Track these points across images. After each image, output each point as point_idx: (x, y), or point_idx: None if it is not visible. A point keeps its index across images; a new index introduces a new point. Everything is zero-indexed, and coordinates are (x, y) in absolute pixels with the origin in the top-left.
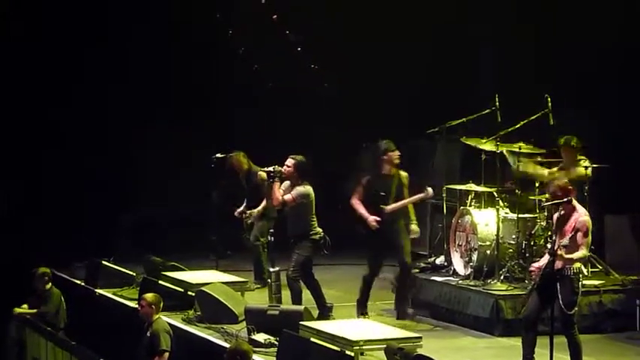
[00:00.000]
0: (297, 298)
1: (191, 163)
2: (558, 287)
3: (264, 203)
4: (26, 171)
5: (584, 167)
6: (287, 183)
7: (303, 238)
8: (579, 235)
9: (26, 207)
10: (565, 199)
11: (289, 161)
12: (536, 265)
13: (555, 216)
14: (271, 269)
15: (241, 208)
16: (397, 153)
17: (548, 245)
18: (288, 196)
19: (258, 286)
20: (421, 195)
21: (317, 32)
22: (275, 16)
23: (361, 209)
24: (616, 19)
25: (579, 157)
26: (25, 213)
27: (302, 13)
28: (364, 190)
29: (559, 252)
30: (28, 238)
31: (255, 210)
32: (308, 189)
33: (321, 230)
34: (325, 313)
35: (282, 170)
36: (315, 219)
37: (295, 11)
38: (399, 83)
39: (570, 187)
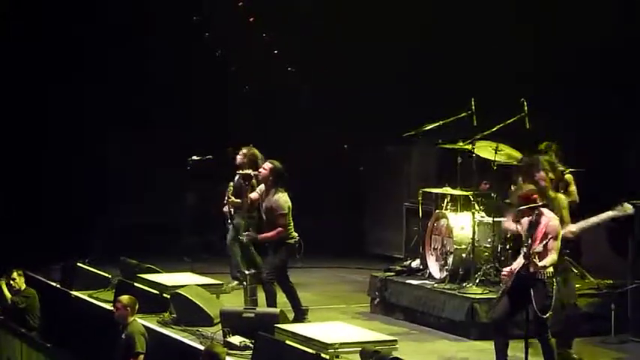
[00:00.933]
0: (271, 301)
1: (168, 164)
2: (532, 292)
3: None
4: (1, 173)
5: (560, 172)
6: (262, 187)
7: (279, 242)
8: (550, 239)
9: (1, 209)
10: (537, 204)
11: (267, 165)
12: (507, 269)
13: (525, 221)
14: (247, 272)
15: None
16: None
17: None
18: (254, 194)
19: (236, 282)
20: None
21: (294, 34)
22: (252, 19)
23: None
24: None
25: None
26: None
27: (279, 15)
28: None
29: (533, 259)
30: (3, 239)
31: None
32: (286, 198)
33: (297, 235)
34: (301, 316)
35: (257, 174)
36: (291, 223)
37: (272, 13)
38: (376, 86)
39: (535, 195)
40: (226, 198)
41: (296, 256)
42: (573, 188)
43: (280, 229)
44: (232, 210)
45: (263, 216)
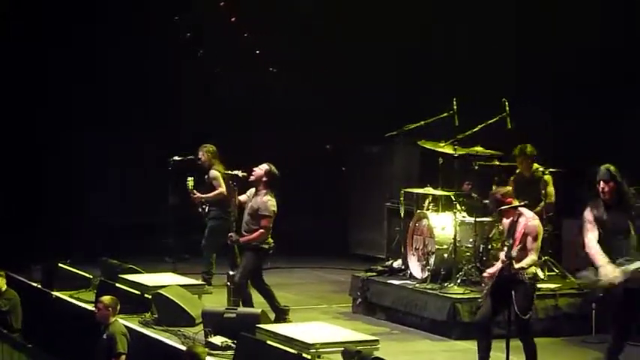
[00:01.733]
0: (247, 303)
1: (149, 165)
2: (513, 293)
3: (215, 194)
4: None
5: (541, 172)
6: (252, 190)
7: (255, 245)
8: (529, 239)
9: None
10: (513, 206)
11: (263, 166)
12: (490, 270)
13: (505, 222)
14: (231, 272)
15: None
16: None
17: (504, 250)
18: (242, 197)
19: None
20: None
21: (276, 34)
22: (233, 19)
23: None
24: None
25: (535, 165)
26: None
27: (260, 15)
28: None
29: (511, 262)
30: None
31: (201, 195)
32: (274, 203)
33: (272, 241)
34: (281, 315)
35: (246, 175)
36: (270, 224)
37: (253, 14)
38: (358, 86)
39: (509, 197)
40: (190, 193)
41: (266, 262)
42: (551, 189)
43: (262, 230)
44: (207, 208)
45: (246, 216)
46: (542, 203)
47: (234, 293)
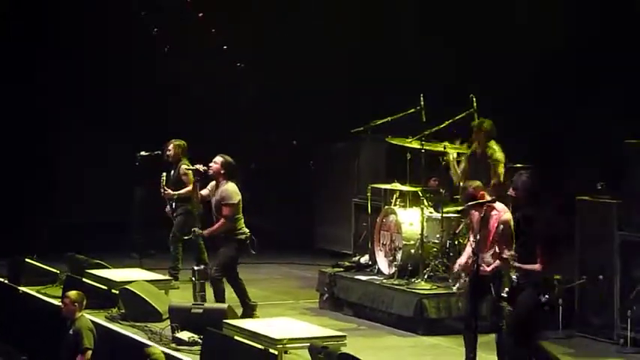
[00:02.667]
0: (219, 297)
1: (113, 161)
2: (491, 285)
3: (186, 190)
4: None
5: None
6: (213, 183)
7: (228, 237)
8: (506, 234)
9: None
10: (485, 201)
11: (218, 159)
12: (460, 261)
13: (474, 215)
14: (195, 267)
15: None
16: None
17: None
18: (204, 191)
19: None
20: None
21: (241, 31)
22: (201, 14)
23: None
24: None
25: (491, 144)
26: None
27: (226, 12)
28: None
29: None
30: None
31: (173, 192)
32: (235, 189)
33: (247, 230)
34: (249, 311)
35: (206, 169)
36: (241, 218)
37: (220, 10)
38: (324, 82)
39: (481, 192)
40: (162, 189)
41: (251, 252)
42: (501, 169)
43: (223, 220)
44: (174, 204)
45: (213, 210)
46: (492, 183)
47: (200, 288)
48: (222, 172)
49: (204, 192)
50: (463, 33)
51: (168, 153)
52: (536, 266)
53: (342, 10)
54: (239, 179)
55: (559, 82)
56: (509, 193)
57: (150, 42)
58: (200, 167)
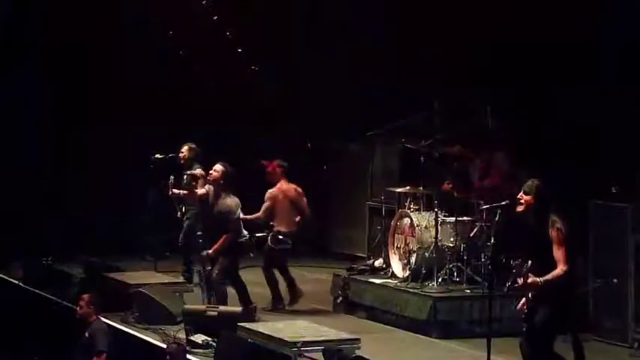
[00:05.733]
0: (221, 301)
1: (128, 163)
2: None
3: (183, 193)
4: None
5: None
6: (210, 187)
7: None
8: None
9: None
10: (504, 203)
11: (218, 167)
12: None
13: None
14: (199, 269)
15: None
16: None
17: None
18: (201, 190)
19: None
20: None
21: (256, 33)
22: (216, 17)
23: None
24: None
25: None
26: None
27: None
28: None
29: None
30: None
31: (179, 191)
32: (237, 202)
33: (246, 233)
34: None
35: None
36: (240, 222)
37: (235, 12)
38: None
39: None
40: (170, 191)
41: (249, 255)
42: None
43: (228, 235)
44: (183, 208)
45: (213, 219)
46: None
47: (207, 289)
48: (220, 182)
49: (201, 191)
50: (477, 35)
51: (181, 155)
52: (559, 271)
53: (358, 12)
54: (238, 190)
55: (558, 82)
56: (518, 197)
57: (167, 46)
58: (199, 173)
